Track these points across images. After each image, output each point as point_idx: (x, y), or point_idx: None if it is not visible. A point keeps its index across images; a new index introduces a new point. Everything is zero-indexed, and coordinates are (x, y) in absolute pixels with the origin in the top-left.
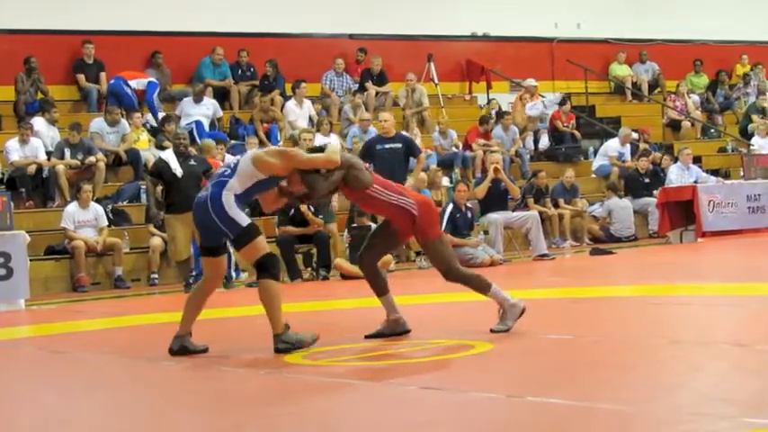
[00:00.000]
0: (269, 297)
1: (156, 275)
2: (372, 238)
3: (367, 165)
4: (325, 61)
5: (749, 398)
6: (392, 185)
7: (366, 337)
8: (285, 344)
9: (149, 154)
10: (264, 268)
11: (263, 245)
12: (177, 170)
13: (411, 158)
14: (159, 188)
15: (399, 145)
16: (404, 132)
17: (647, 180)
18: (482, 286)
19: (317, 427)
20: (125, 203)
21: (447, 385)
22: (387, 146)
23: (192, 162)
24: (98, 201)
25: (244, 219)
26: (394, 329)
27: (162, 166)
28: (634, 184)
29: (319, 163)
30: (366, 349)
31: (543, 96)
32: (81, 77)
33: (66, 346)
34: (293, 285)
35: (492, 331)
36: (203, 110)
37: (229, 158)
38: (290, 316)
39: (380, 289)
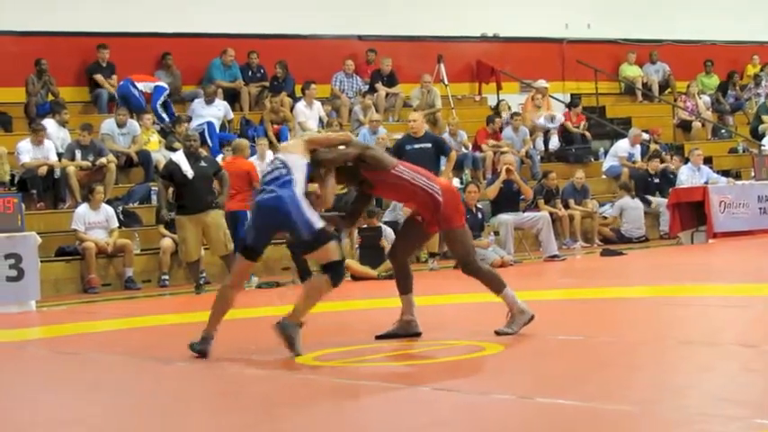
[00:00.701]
0: (312, 291)
1: (167, 277)
2: (402, 234)
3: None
4: (334, 62)
5: (759, 398)
6: (419, 169)
7: (377, 337)
8: (285, 331)
9: (160, 155)
10: (330, 269)
11: (336, 249)
12: (188, 171)
13: (442, 157)
14: (170, 190)
15: (429, 144)
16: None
17: (656, 181)
18: (496, 285)
19: (328, 428)
20: (136, 205)
21: (458, 386)
22: (416, 145)
23: (203, 163)
24: (109, 202)
25: (318, 220)
26: (407, 330)
27: (173, 168)
28: (644, 185)
29: (335, 139)
30: (377, 350)
31: (554, 115)
32: (99, 77)
33: (76, 347)
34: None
35: (496, 333)
36: (214, 111)
37: (264, 165)
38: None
39: (405, 287)
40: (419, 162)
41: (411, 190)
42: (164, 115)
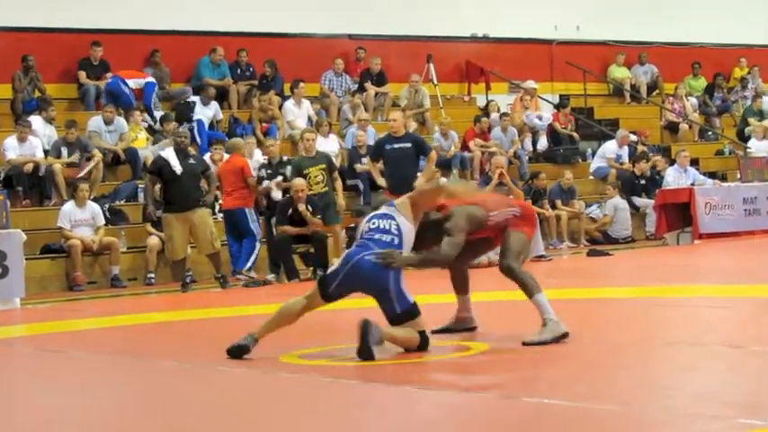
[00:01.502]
0: (406, 336)
1: (153, 275)
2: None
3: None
4: (324, 61)
5: (744, 398)
6: (501, 200)
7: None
8: (369, 330)
9: (148, 152)
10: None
11: (423, 323)
12: (177, 168)
13: (421, 157)
14: (158, 186)
15: (409, 144)
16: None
17: (643, 182)
18: (530, 289)
19: (313, 427)
20: (122, 203)
21: (443, 386)
22: (396, 145)
23: (192, 161)
24: (95, 200)
25: (410, 295)
26: (463, 325)
27: (161, 164)
28: (630, 187)
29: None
30: None
31: (541, 116)
32: (82, 74)
33: (61, 345)
34: (290, 285)
35: (524, 344)
36: (206, 110)
37: (254, 162)
38: None
39: (462, 289)
40: (399, 162)
41: (500, 227)
42: (156, 114)
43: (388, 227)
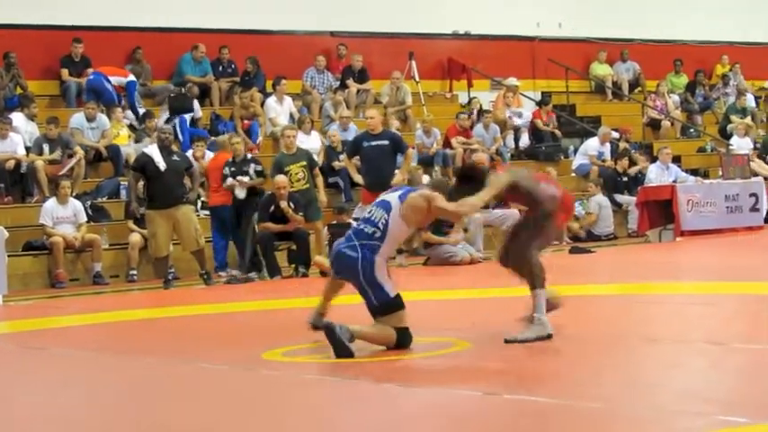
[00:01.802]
0: (380, 333)
1: (135, 272)
2: (512, 240)
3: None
4: (306, 58)
5: (726, 395)
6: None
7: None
8: (334, 334)
9: (130, 149)
10: (399, 332)
11: (404, 317)
12: (160, 164)
13: (399, 155)
14: (141, 183)
15: (386, 142)
16: (390, 129)
17: (625, 179)
18: (534, 281)
19: (295, 424)
20: (104, 200)
21: (426, 383)
22: (374, 143)
23: (176, 158)
24: (77, 197)
25: (391, 288)
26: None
27: (145, 160)
28: (613, 184)
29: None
30: None
31: (520, 113)
32: (65, 72)
33: (44, 342)
34: (272, 282)
35: (506, 341)
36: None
37: (368, 212)
38: (269, 313)
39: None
40: (376, 159)
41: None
42: (141, 110)
43: (377, 218)
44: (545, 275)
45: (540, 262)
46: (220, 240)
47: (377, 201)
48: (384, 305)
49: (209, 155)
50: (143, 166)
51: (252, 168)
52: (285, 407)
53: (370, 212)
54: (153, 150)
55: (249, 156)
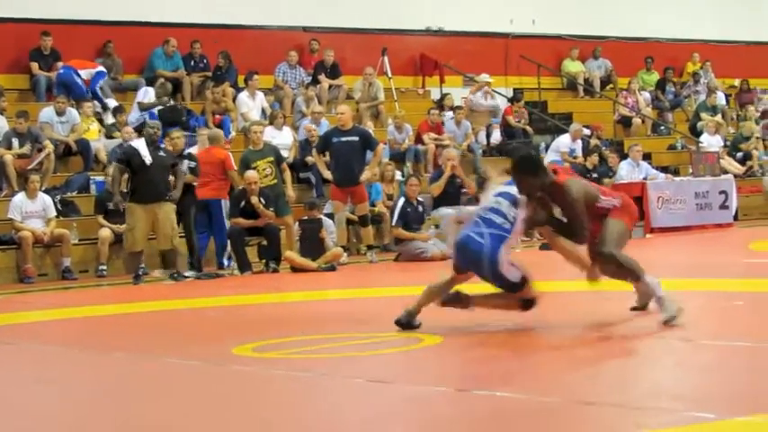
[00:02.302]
0: (503, 299)
1: (105, 267)
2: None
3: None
4: (278, 53)
5: (693, 392)
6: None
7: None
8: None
9: (100, 144)
10: (526, 301)
11: (531, 289)
12: (147, 158)
13: (368, 151)
14: (125, 176)
15: (356, 138)
16: (360, 125)
17: (595, 176)
18: (634, 275)
19: (264, 420)
20: (74, 194)
21: (395, 378)
22: (343, 138)
23: (162, 153)
24: (46, 191)
25: (515, 274)
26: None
27: (132, 153)
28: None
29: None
30: (315, 342)
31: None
32: (34, 65)
33: (12, 337)
34: (243, 278)
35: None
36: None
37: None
38: (240, 309)
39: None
40: (345, 155)
41: (599, 215)
42: (106, 100)
43: (506, 210)
44: (639, 264)
45: (628, 255)
46: (204, 234)
47: (503, 191)
48: (511, 288)
49: (499, 203)
50: (128, 159)
51: (186, 165)
52: (255, 403)
53: (496, 202)
54: (140, 144)
55: (187, 152)
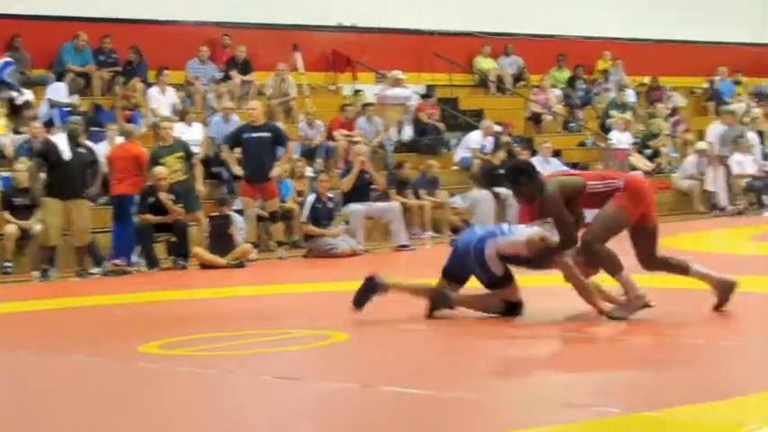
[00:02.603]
0: (484, 299)
1: (10, 264)
2: (636, 243)
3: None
4: (189, 49)
5: (603, 386)
6: (601, 174)
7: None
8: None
9: (6, 140)
10: (510, 305)
11: (515, 291)
12: (65, 153)
13: (279, 147)
14: (42, 171)
15: (268, 134)
16: (271, 121)
17: (502, 172)
18: (612, 267)
19: (169, 418)
20: None
21: (303, 375)
22: (254, 134)
23: (82, 150)
24: None
25: (498, 268)
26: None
27: (49, 147)
28: (491, 177)
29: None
30: (222, 339)
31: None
32: None
33: None
34: (150, 274)
35: (609, 316)
36: (70, 98)
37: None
38: (147, 306)
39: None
40: (256, 151)
41: (601, 199)
42: (11, 83)
43: (505, 228)
44: (617, 259)
45: (607, 250)
46: (120, 230)
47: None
48: (493, 284)
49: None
50: (46, 153)
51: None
52: (159, 401)
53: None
54: (59, 139)
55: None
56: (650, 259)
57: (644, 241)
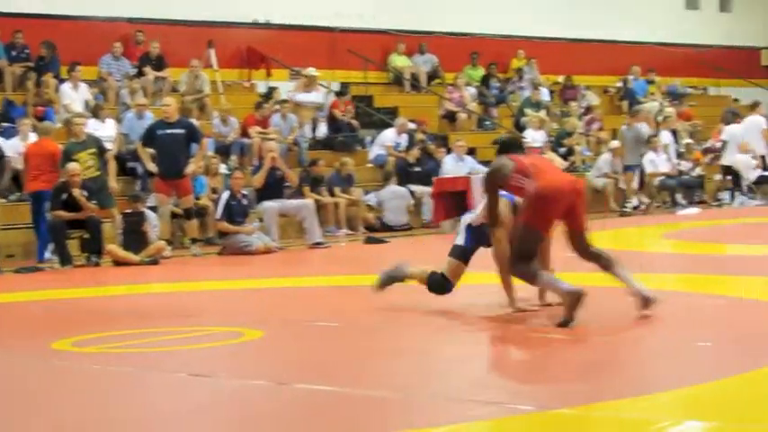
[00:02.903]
0: (418, 272)
1: None
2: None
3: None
4: (102, 45)
5: (516, 384)
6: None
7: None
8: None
9: None
10: (434, 279)
11: (456, 269)
12: None
13: (193, 144)
14: None
15: (181, 130)
16: (186, 118)
17: (417, 169)
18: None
19: (79, 416)
20: None
21: (216, 372)
22: (168, 131)
23: None
24: None
25: (460, 239)
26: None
27: None
28: (405, 174)
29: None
30: (136, 336)
31: (325, 86)
32: None
33: None
34: (64, 271)
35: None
36: None
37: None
38: (60, 303)
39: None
40: (170, 147)
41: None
42: None
43: None
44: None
45: (524, 267)
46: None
47: None
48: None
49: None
50: None
51: None
52: (70, 399)
53: None
54: None
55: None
56: (583, 252)
57: (572, 237)
